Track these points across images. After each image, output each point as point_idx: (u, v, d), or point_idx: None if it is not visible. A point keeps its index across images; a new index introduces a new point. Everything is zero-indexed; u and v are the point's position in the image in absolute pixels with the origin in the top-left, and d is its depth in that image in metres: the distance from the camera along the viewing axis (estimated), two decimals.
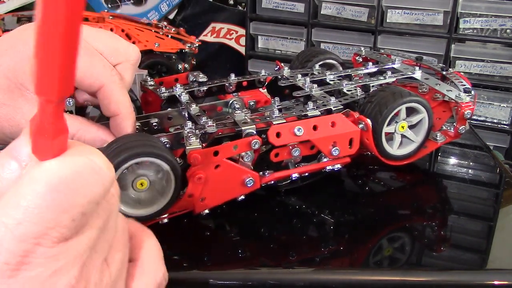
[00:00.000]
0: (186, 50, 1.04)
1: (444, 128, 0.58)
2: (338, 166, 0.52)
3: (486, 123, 1.18)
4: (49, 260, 0.21)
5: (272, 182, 0.50)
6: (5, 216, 0.21)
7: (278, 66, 0.63)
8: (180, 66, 1.00)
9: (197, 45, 1.07)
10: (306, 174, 0.53)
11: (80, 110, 0.49)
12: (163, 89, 0.55)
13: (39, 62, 0.20)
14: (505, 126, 1.17)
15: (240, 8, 1.48)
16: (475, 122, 1.18)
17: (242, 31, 1.41)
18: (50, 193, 0.21)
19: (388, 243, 0.48)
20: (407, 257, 0.46)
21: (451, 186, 0.60)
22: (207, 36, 1.44)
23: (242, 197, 0.49)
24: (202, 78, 0.57)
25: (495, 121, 1.18)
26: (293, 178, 0.52)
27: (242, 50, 1.40)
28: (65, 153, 0.22)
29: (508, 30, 1.12)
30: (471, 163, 0.64)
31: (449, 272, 0.45)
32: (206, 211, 0.47)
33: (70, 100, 0.46)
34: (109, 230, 0.25)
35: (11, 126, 0.41)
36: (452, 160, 0.65)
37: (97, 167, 0.23)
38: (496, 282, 0.42)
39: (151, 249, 0.28)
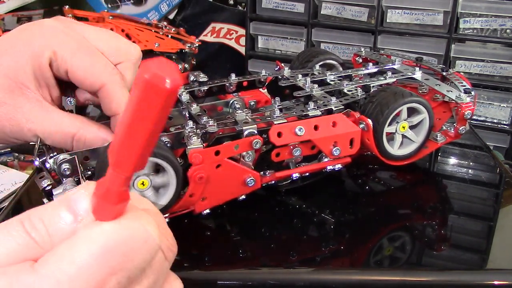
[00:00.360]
0: (186, 50, 1.04)
1: (444, 128, 0.58)
2: (338, 166, 0.52)
3: (486, 123, 1.17)
4: None
5: (273, 182, 0.50)
6: (59, 271, 0.21)
7: (278, 66, 0.63)
8: (180, 66, 1.00)
9: (197, 45, 1.07)
10: (307, 174, 0.53)
11: (81, 110, 0.49)
12: None
13: (123, 140, 0.21)
14: (505, 126, 1.17)
15: (240, 8, 1.48)
16: (475, 122, 1.18)
17: (242, 31, 1.40)
18: (104, 254, 0.22)
19: (388, 243, 0.48)
20: (407, 257, 0.46)
21: (451, 186, 0.60)
22: (207, 36, 1.44)
23: (243, 196, 0.49)
24: (203, 78, 0.58)
25: (495, 121, 1.18)
26: (294, 178, 0.52)
27: (242, 50, 1.40)
28: (122, 217, 0.23)
29: (508, 30, 1.11)
30: (471, 163, 0.64)
31: (449, 272, 0.45)
32: (207, 211, 0.48)
33: (71, 100, 0.46)
34: None
35: (11, 125, 0.41)
36: (452, 160, 0.65)
37: (148, 235, 0.24)
38: (496, 282, 0.42)
39: None
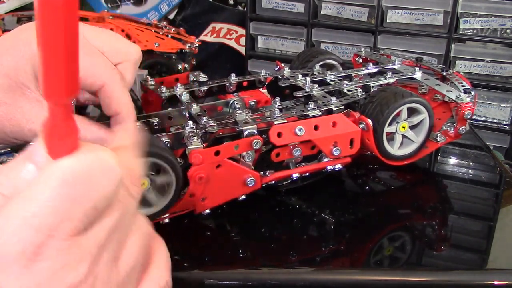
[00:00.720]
0: (186, 50, 1.04)
1: (444, 128, 0.58)
2: (338, 166, 0.52)
3: (486, 123, 1.18)
4: (60, 253, 0.22)
5: (273, 182, 0.50)
6: (22, 209, 0.22)
7: (278, 66, 0.63)
8: (180, 66, 1.00)
9: (197, 45, 1.07)
10: (307, 174, 0.53)
11: (81, 110, 0.49)
12: (164, 88, 0.55)
13: (43, 67, 0.21)
14: (505, 126, 1.17)
15: (240, 8, 1.48)
16: (475, 122, 1.18)
17: (242, 31, 1.41)
18: (63, 186, 0.22)
19: (388, 243, 0.48)
20: (407, 257, 0.46)
21: (451, 186, 0.60)
22: (207, 36, 1.44)
23: (243, 197, 0.49)
24: (203, 78, 0.58)
25: (495, 121, 1.18)
26: (294, 178, 0.52)
27: (242, 50, 1.40)
28: (77, 151, 0.23)
29: (508, 30, 1.11)
30: (471, 163, 0.64)
31: (449, 272, 0.45)
32: (207, 211, 0.47)
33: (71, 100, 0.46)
34: (121, 230, 0.25)
35: (12, 125, 0.41)
36: (452, 160, 0.65)
37: (107, 164, 0.24)
38: (496, 282, 0.43)
39: (161, 258, 0.29)
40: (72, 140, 0.23)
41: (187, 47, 1.04)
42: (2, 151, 0.90)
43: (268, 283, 0.42)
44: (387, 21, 1.20)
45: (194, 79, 0.58)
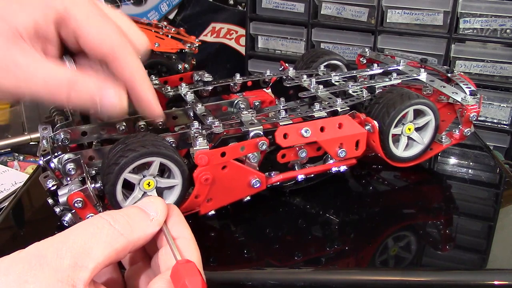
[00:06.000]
0: (186, 50, 1.04)
1: (449, 130, 0.58)
2: (344, 167, 0.52)
3: (486, 123, 1.18)
4: None
5: (278, 183, 0.50)
6: None
7: (282, 67, 0.63)
8: (180, 66, 1.00)
9: (197, 45, 1.07)
10: (312, 175, 0.52)
11: (85, 118, 0.49)
12: (168, 88, 0.54)
13: None
14: (505, 126, 1.17)
15: (240, 8, 1.48)
16: (475, 122, 1.18)
17: (242, 31, 1.40)
18: None
19: (391, 243, 0.48)
20: (409, 257, 0.46)
21: (451, 186, 0.60)
22: (207, 36, 1.43)
23: (248, 198, 0.49)
24: (207, 77, 0.57)
25: (495, 121, 1.18)
26: (299, 180, 0.52)
27: (242, 50, 1.39)
28: None
29: (508, 30, 1.11)
30: (471, 163, 0.64)
31: (449, 272, 0.45)
32: (212, 212, 0.47)
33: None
34: None
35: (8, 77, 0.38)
36: (452, 160, 0.65)
37: None
38: (496, 282, 0.43)
39: None
40: None
41: (187, 47, 1.04)
42: (2, 151, 0.90)
43: (268, 283, 0.42)
44: (387, 21, 1.19)
45: (199, 79, 0.57)
